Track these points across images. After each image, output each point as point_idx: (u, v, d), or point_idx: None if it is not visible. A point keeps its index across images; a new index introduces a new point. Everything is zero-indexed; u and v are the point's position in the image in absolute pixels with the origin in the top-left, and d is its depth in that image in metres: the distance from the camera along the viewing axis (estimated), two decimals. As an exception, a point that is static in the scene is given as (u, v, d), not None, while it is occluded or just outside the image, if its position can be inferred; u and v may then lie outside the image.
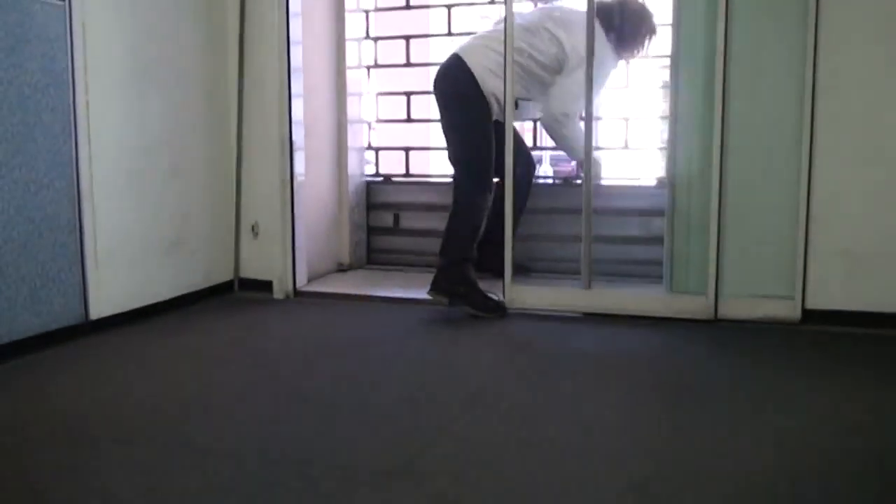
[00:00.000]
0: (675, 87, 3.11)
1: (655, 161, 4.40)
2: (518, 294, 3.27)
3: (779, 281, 3.04)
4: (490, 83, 3.33)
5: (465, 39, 3.59)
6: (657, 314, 3.11)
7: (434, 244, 3.81)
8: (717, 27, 2.95)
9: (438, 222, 3.76)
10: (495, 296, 3.23)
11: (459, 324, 3.11)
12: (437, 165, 4.59)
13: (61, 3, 2.69)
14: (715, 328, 3.00)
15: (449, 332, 3.02)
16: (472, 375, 2.43)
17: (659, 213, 3.80)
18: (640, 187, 4.12)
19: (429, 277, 3.81)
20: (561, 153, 4.10)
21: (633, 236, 3.86)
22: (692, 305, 3.08)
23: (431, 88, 3.50)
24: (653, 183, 4.30)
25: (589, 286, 3.23)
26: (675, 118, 3.13)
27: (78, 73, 2.76)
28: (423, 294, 3.51)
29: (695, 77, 3.08)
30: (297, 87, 3.58)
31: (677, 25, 3.09)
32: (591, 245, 3.23)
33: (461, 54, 3.40)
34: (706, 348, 2.77)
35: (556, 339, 2.88)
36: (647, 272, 3.73)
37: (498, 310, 3.20)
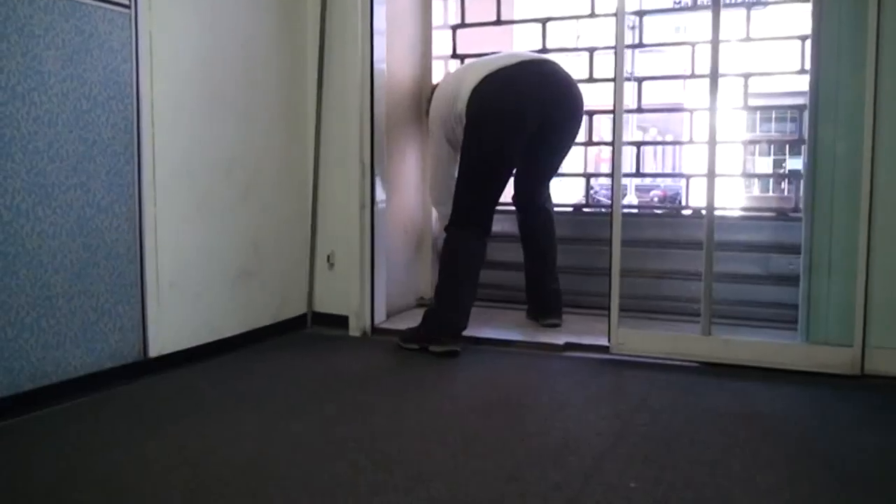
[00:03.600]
0: (814, 105, 2.69)
1: (738, 188, 3.90)
2: (627, 339, 2.86)
3: (937, 332, 2.57)
4: None
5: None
6: (793, 367, 2.66)
7: (517, 277, 3.46)
8: (867, 49, 2.53)
9: (521, 253, 3.41)
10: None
11: (560, 372, 2.73)
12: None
13: (127, 9, 2.44)
14: (862, 386, 2.54)
15: (551, 382, 2.63)
16: (585, 444, 2.02)
17: (778, 248, 3.38)
18: (754, 218, 3.68)
19: (519, 314, 3.47)
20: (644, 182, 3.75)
21: (749, 274, 3.42)
22: (835, 358, 2.62)
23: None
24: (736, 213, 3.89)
25: (709, 332, 2.80)
26: (813, 140, 2.70)
27: (143, 86, 2.50)
28: (516, 335, 3.16)
29: (838, 97, 2.65)
30: (379, 107, 3.27)
31: (816, 44, 2.68)
32: (712, 285, 2.82)
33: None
34: (860, 413, 2.31)
35: (679, 396, 2.44)
36: (764, 315, 3.31)
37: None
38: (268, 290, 3.14)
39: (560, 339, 3.07)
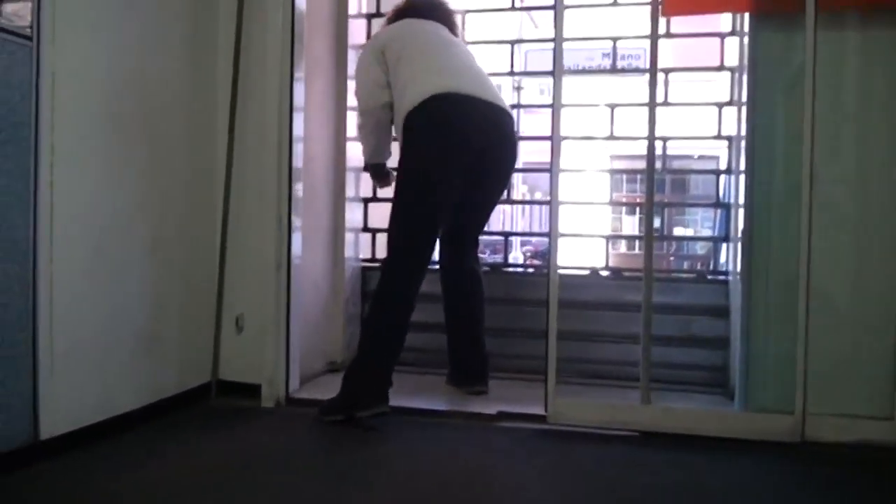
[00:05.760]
0: (751, 168, 2.70)
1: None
2: (565, 409, 2.73)
3: (874, 398, 2.58)
4: None
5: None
6: (734, 435, 2.59)
7: (438, 339, 3.28)
8: (805, 106, 2.55)
9: (441, 314, 3.23)
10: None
11: (503, 447, 2.56)
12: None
13: (28, 42, 2.14)
14: (803, 454, 2.50)
15: (498, 459, 2.46)
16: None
17: (699, 310, 3.37)
18: (673, 280, 3.68)
19: (435, 380, 3.28)
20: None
21: (671, 336, 3.37)
22: (776, 426, 2.57)
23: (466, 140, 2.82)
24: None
25: (649, 400, 2.72)
26: (750, 203, 2.71)
27: (43, 129, 2.19)
28: (443, 404, 2.99)
29: (775, 158, 2.67)
30: (297, 158, 3.05)
31: (752, 105, 2.70)
32: (651, 351, 2.75)
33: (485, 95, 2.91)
34: (806, 484, 2.26)
35: (636, 473, 2.32)
36: (685, 377, 3.29)
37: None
38: (173, 357, 2.82)
39: (491, 407, 2.90)
